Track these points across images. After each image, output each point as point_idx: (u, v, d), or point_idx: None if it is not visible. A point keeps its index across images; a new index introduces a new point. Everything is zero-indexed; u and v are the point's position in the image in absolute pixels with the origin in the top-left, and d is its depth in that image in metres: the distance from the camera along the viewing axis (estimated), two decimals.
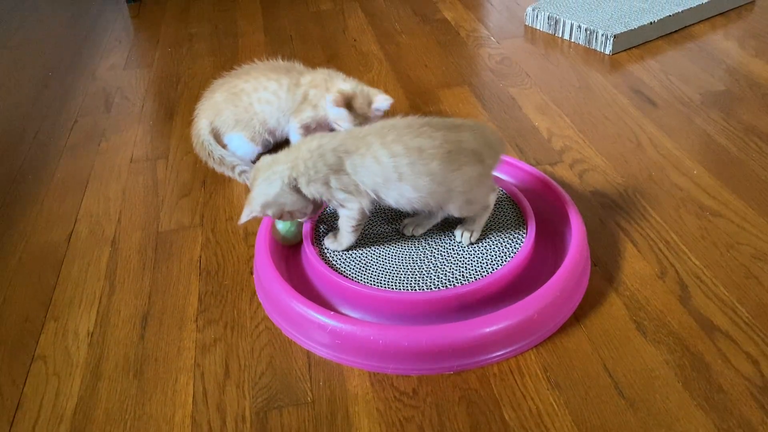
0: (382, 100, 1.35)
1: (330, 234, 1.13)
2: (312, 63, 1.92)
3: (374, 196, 1.05)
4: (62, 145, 1.60)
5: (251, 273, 1.16)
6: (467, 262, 1.07)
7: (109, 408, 0.94)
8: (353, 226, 1.09)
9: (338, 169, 1.03)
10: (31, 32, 2.09)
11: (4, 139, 1.60)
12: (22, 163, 1.54)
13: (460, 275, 1.05)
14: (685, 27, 2.00)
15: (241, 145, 1.43)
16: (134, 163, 1.51)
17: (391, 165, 1.01)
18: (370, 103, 1.36)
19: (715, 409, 0.88)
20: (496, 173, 1.29)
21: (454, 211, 1.07)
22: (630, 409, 0.88)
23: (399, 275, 1.06)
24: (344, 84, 1.38)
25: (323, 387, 0.95)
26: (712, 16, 2.06)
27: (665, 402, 0.89)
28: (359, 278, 1.06)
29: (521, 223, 1.14)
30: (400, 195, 1.03)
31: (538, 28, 2.06)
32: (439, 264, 1.07)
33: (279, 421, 0.90)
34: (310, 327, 0.98)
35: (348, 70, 1.86)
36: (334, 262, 1.10)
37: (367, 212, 1.07)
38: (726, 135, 1.46)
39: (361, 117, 1.36)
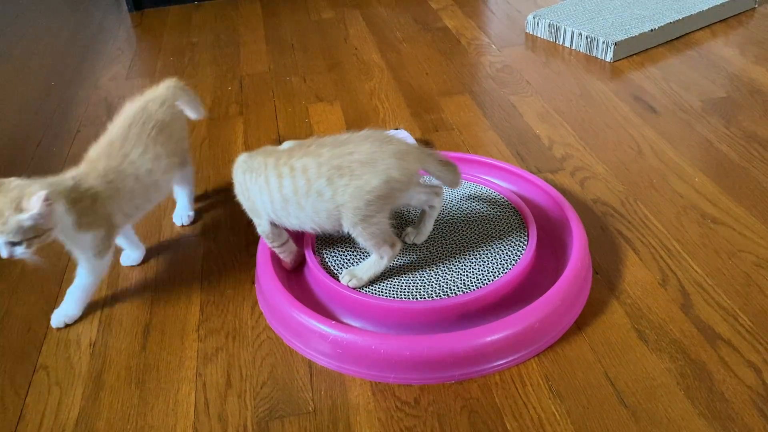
0: (32, 205, 0.95)
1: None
2: (313, 72, 1.93)
3: (275, 219, 1.05)
4: (65, 154, 1.61)
5: (253, 282, 1.16)
6: (468, 271, 1.07)
7: (111, 418, 0.94)
8: (270, 245, 1.10)
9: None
10: (34, 42, 2.11)
11: (7, 148, 1.61)
12: (24, 172, 1.54)
13: (461, 284, 1.05)
14: (686, 34, 2.00)
15: None
16: None
17: (275, 187, 1.00)
18: (18, 209, 0.95)
19: (717, 418, 0.87)
20: (496, 181, 1.29)
21: (347, 225, 1.01)
22: (632, 418, 0.88)
23: (400, 284, 1.06)
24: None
25: (325, 397, 0.94)
26: (713, 23, 2.06)
27: (667, 411, 0.89)
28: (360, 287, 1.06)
29: (522, 231, 1.15)
30: (294, 217, 1.02)
31: (538, 35, 2.07)
32: (440, 272, 1.07)
33: (281, 431, 0.90)
34: (311, 336, 0.98)
35: (349, 79, 1.87)
36: (335, 272, 1.10)
37: (269, 236, 1.08)
38: (727, 142, 1.46)
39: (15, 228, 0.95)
